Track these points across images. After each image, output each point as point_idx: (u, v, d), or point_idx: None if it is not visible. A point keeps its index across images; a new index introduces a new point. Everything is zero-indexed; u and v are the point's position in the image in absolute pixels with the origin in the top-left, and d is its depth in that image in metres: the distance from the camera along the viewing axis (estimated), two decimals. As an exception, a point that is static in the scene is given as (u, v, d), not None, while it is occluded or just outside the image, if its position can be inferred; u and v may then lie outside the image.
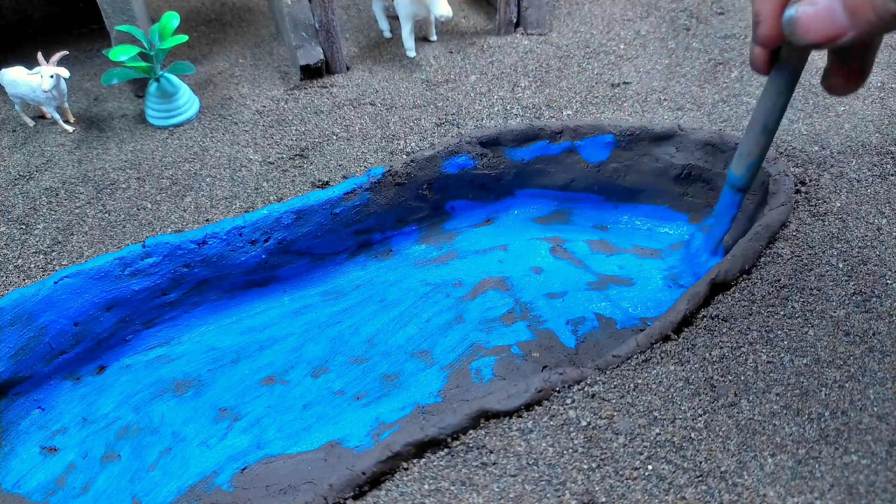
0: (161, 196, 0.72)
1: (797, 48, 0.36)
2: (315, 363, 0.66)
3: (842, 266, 0.55)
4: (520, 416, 0.47)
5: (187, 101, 0.85)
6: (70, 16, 1.14)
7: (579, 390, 0.49)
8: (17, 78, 0.82)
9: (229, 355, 0.67)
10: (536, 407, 0.48)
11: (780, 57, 0.39)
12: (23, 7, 1.10)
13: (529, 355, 0.64)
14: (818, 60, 0.85)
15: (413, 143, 0.76)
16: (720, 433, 0.44)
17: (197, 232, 0.65)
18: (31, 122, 0.87)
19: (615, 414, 0.47)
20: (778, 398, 0.46)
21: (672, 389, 0.48)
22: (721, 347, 0.50)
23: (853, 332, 0.50)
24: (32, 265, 0.65)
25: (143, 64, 0.81)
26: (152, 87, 0.83)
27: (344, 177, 0.72)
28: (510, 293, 0.71)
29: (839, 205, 0.61)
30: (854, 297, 0.52)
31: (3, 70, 0.83)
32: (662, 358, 0.50)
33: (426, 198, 0.75)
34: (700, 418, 0.45)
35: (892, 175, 0.65)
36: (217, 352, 0.67)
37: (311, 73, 0.91)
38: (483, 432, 0.46)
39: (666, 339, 0.52)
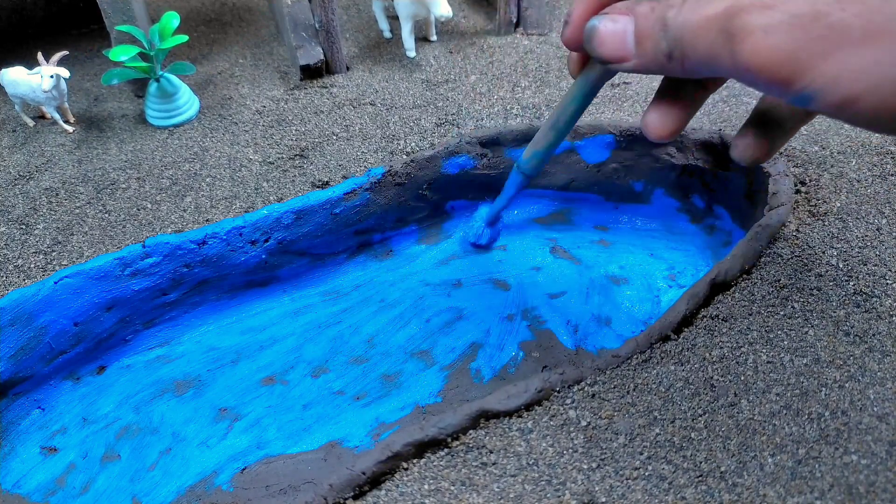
0: (161, 196, 0.72)
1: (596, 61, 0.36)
2: (315, 363, 0.66)
3: (842, 266, 0.55)
4: (520, 416, 0.47)
5: (187, 102, 0.85)
6: (70, 16, 1.14)
7: (579, 390, 0.49)
8: (17, 78, 0.82)
9: (229, 355, 0.67)
10: (536, 407, 0.48)
11: (588, 65, 0.39)
12: (23, 7, 1.10)
13: (529, 355, 0.64)
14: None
15: (413, 143, 0.76)
16: (720, 433, 0.44)
17: (197, 232, 0.65)
18: (31, 122, 0.87)
19: (615, 414, 0.47)
20: (778, 398, 0.46)
21: (672, 389, 0.48)
22: (721, 347, 0.50)
23: (853, 332, 0.50)
24: (32, 265, 0.65)
25: (143, 64, 0.81)
26: (152, 87, 0.83)
27: (344, 177, 0.72)
28: (510, 293, 0.71)
29: (839, 205, 0.61)
30: (854, 297, 0.52)
31: (3, 70, 0.83)
32: (662, 358, 0.50)
33: (426, 198, 0.75)
34: (700, 418, 0.45)
35: (892, 175, 0.65)
36: (217, 352, 0.67)
37: (311, 73, 0.91)
38: (483, 432, 0.46)
39: (666, 339, 0.52)
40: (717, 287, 0.55)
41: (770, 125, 0.39)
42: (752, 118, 0.41)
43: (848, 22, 0.23)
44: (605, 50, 0.32)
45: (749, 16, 0.25)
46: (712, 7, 0.26)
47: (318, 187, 0.71)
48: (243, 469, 0.57)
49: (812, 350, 0.49)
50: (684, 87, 0.37)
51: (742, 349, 0.50)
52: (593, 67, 0.39)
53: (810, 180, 0.65)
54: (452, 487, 0.43)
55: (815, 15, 0.23)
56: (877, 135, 0.71)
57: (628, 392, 0.48)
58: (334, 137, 0.79)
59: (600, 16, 0.33)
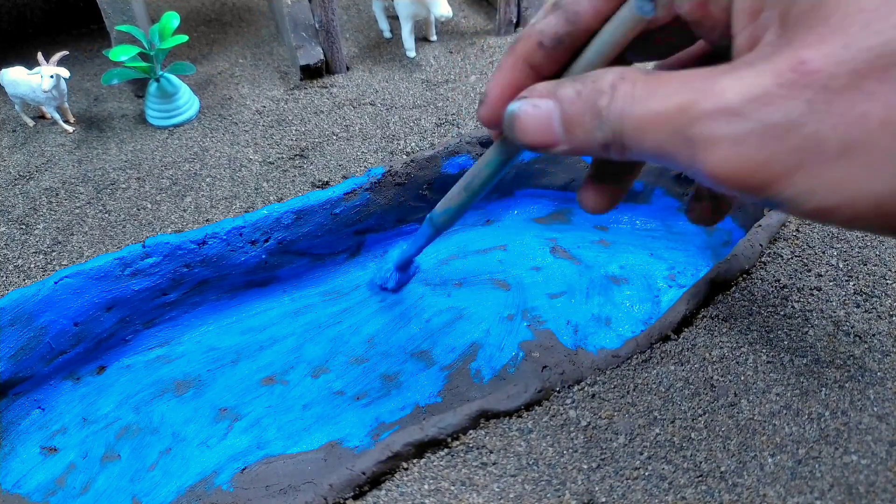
0: (161, 196, 0.72)
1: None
2: (315, 363, 0.66)
3: (842, 266, 0.55)
4: (520, 416, 0.47)
5: (187, 102, 0.85)
6: (70, 16, 1.14)
7: (579, 390, 0.49)
8: (17, 78, 0.82)
9: (229, 355, 0.67)
10: (536, 407, 0.48)
11: (503, 136, 0.37)
12: (22, 7, 1.10)
13: (529, 355, 0.64)
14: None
15: (413, 143, 0.76)
16: (720, 433, 0.44)
17: (197, 232, 0.65)
18: (31, 122, 0.87)
19: (615, 414, 0.47)
20: (778, 398, 0.46)
21: (672, 389, 0.48)
22: (721, 347, 0.50)
23: (853, 332, 0.50)
24: (32, 265, 0.65)
25: (143, 64, 0.81)
26: (152, 87, 0.83)
27: (344, 177, 0.72)
28: (510, 293, 0.71)
29: (839, 205, 0.61)
30: (854, 297, 0.52)
31: (3, 70, 0.83)
32: (662, 358, 0.50)
33: (426, 198, 0.75)
34: (700, 418, 0.45)
35: (892, 175, 0.65)
36: (217, 352, 0.67)
37: (311, 73, 0.91)
38: (483, 432, 0.46)
39: (666, 339, 0.52)
40: (717, 287, 0.55)
41: (613, 170, 0.37)
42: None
43: (824, 134, 0.21)
44: (528, 137, 0.29)
45: (713, 123, 0.23)
46: (659, 103, 0.24)
47: (318, 187, 0.71)
48: (243, 469, 0.56)
49: (812, 350, 0.49)
50: (617, 166, 0.35)
51: (742, 349, 0.50)
52: (509, 142, 0.37)
53: (810, 180, 0.65)
54: (452, 487, 0.43)
55: (789, 125, 0.22)
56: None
57: (628, 392, 0.48)
58: (334, 137, 0.79)
59: (519, 100, 0.29)
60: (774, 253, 0.57)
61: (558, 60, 0.31)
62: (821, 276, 0.55)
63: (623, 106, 0.25)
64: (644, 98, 0.24)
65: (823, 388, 0.46)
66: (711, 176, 0.24)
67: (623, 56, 0.34)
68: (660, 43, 0.35)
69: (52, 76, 0.79)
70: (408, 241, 0.64)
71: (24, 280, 0.63)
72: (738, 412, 0.45)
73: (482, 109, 0.34)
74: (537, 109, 0.29)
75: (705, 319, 0.53)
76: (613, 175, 0.36)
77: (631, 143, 0.25)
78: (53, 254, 0.66)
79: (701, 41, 0.34)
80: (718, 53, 0.32)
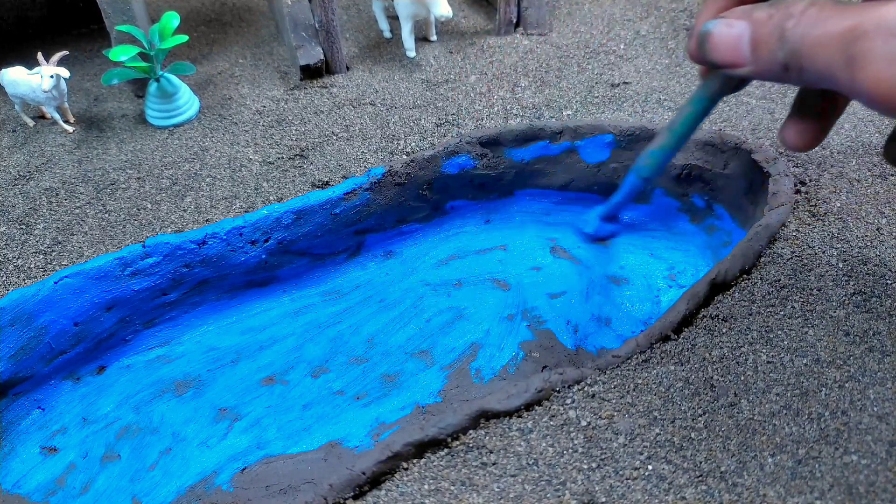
0: (161, 196, 0.72)
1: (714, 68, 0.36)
2: (315, 363, 0.66)
3: (842, 266, 0.55)
4: (520, 416, 0.47)
5: (187, 102, 0.85)
6: (70, 16, 1.14)
7: (579, 390, 0.49)
8: (17, 78, 0.82)
9: (229, 355, 0.67)
10: (536, 407, 0.48)
11: (710, 72, 0.39)
12: (22, 7, 1.10)
13: (529, 355, 0.64)
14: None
15: (413, 143, 0.76)
16: (720, 433, 0.44)
17: (197, 232, 0.65)
18: (31, 122, 0.87)
19: (615, 414, 0.47)
20: (778, 398, 0.46)
21: (672, 389, 0.48)
22: (721, 347, 0.50)
23: (853, 332, 0.50)
24: (32, 265, 0.65)
25: (143, 64, 0.81)
26: (152, 87, 0.83)
27: (344, 177, 0.72)
28: (510, 293, 0.71)
29: (839, 205, 0.61)
30: (854, 297, 0.52)
31: (3, 70, 0.83)
32: (662, 358, 0.50)
33: (426, 198, 0.75)
34: (700, 418, 0.45)
35: (892, 175, 0.65)
36: (217, 352, 0.67)
37: (311, 73, 0.91)
38: (483, 432, 0.46)
39: (666, 339, 0.52)
40: (717, 287, 0.55)
41: (816, 103, 0.38)
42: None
43: None
44: (717, 55, 0.32)
45: (873, 42, 0.24)
46: (834, 24, 0.26)
47: (318, 187, 0.71)
48: (243, 469, 0.57)
49: (812, 350, 0.49)
50: (818, 97, 0.36)
51: (742, 349, 0.50)
52: (714, 74, 0.38)
53: (810, 180, 0.65)
54: (452, 487, 0.43)
55: None
56: (877, 135, 0.71)
57: (628, 392, 0.48)
58: (334, 137, 0.79)
59: (716, 20, 0.32)
60: (774, 253, 0.57)
61: None
62: (821, 276, 0.55)
63: (805, 27, 0.27)
64: (823, 21, 0.26)
65: (823, 388, 0.46)
66: (865, 94, 0.25)
67: None
68: None
69: (52, 76, 0.79)
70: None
71: (24, 280, 0.63)
72: (738, 412, 0.45)
73: (691, 42, 0.35)
74: (730, 28, 0.31)
75: (705, 319, 0.53)
76: (816, 111, 0.36)
77: (805, 64, 0.27)
78: (53, 254, 0.66)
79: None
80: None
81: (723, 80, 0.38)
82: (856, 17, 0.25)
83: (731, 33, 0.31)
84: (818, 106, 0.36)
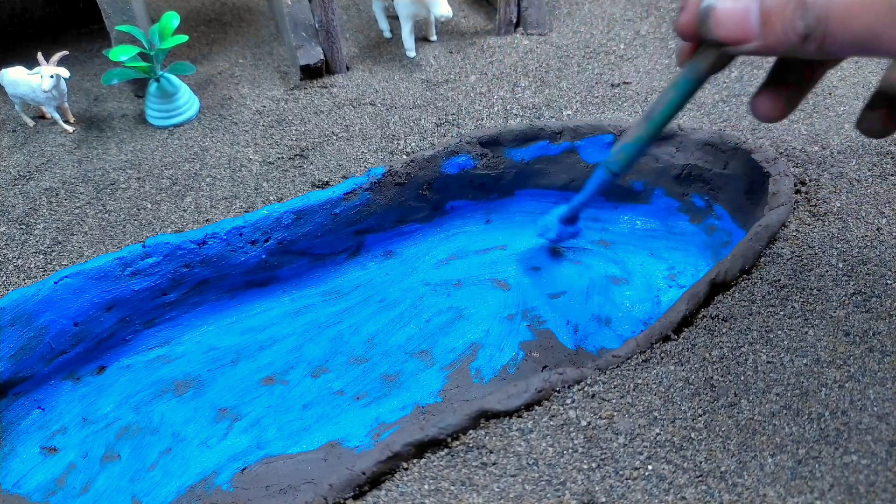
0: (161, 196, 0.72)
1: (708, 46, 0.33)
2: (315, 363, 0.66)
3: (842, 266, 0.55)
4: (520, 416, 0.47)
5: (187, 101, 0.85)
6: (70, 16, 1.14)
7: (579, 390, 0.49)
8: (17, 78, 0.82)
9: (229, 355, 0.67)
10: (536, 407, 0.48)
11: (696, 53, 0.37)
12: (23, 7, 1.10)
13: (529, 355, 0.64)
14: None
15: (413, 143, 0.76)
16: (720, 433, 0.44)
17: (197, 232, 0.65)
18: (31, 122, 0.87)
19: (615, 414, 0.47)
20: (778, 398, 0.46)
21: (672, 389, 0.48)
22: (721, 347, 0.50)
23: (853, 332, 0.50)
24: (32, 265, 0.65)
25: (143, 64, 0.81)
26: (152, 87, 0.83)
27: (344, 177, 0.72)
28: (510, 293, 0.71)
29: (839, 205, 0.61)
30: (854, 297, 0.52)
31: (3, 70, 0.83)
32: (662, 358, 0.50)
33: (426, 198, 0.75)
34: (700, 418, 0.45)
35: (892, 175, 0.65)
36: (217, 352, 0.67)
37: (311, 73, 0.91)
38: (483, 432, 0.46)
39: (666, 339, 0.52)
40: (717, 287, 0.55)
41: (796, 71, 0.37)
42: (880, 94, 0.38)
43: None
44: (722, 31, 0.30)
45: None
46: None
47: (318, 187, 0.71)
48: (243, 469, 0.57)
49: (812, 350, 0.49)
50: (796, 68, 0.35)
51: (742, 349, 0.50)
52: (704, 55, 0.36)
53: (810, 180, 0.65)
54: (452, 487, 0.43)
55: None
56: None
57: (628, 392, 0.48)
58: (334, 137, 0.79)
59: None
60: (774, 253, 0.57)
61: None
62: (821, 276, 0.55)
63: None
64: None
65: (823, 388, 0.46)
66: None
67: None
68: None
69: (52, 76, 0.79)
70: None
71: (24, 280, 0.63)
72: (738, 412, 0.45)
73: (682, 15, 0.33)
74: (737, 2, 0.29)
75: (705, 319, 0.53)
76: (796, 81, 0.35)
77: (836, 30, 0.26)
78: (53, 254, 0.66)
79: None
80: None
81: (714, 59, 0.36)
82: None
83: (736, 7, 0.30)
84: (798, 76, 0.35)
